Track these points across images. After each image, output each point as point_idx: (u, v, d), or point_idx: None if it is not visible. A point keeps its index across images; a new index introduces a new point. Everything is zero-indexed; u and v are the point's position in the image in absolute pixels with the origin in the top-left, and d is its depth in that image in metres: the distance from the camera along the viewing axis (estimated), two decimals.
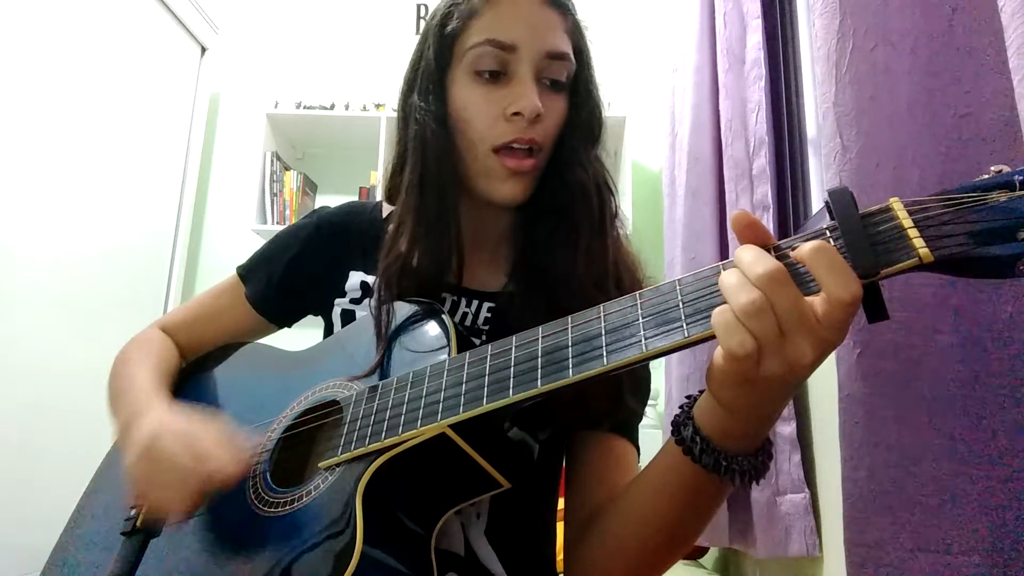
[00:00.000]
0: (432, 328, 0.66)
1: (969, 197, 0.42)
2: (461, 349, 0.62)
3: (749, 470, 0.52)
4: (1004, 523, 0.55)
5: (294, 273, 0.85)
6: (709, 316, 0.45)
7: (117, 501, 0.71)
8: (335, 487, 0.59)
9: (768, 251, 0.46)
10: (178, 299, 2.54)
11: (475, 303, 0.77)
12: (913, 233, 0.42)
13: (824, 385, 1.12)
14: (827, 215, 0.47)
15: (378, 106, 2.61)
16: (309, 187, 2.71)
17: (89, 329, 2.06)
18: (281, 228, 0.97)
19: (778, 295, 0.43)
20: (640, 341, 0.48)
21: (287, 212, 2.56)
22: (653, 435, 2.15)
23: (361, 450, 0.59)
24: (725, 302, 0.44)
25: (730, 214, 1.42)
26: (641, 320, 0.49)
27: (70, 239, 2.04)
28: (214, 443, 0.61)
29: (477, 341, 0.69)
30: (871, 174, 0.66)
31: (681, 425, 0.54)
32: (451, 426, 0.55)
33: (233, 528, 0.63)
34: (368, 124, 2.58)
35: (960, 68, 0.60)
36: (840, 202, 0.45)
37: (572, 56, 0.74)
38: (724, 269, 0.46)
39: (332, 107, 2.62)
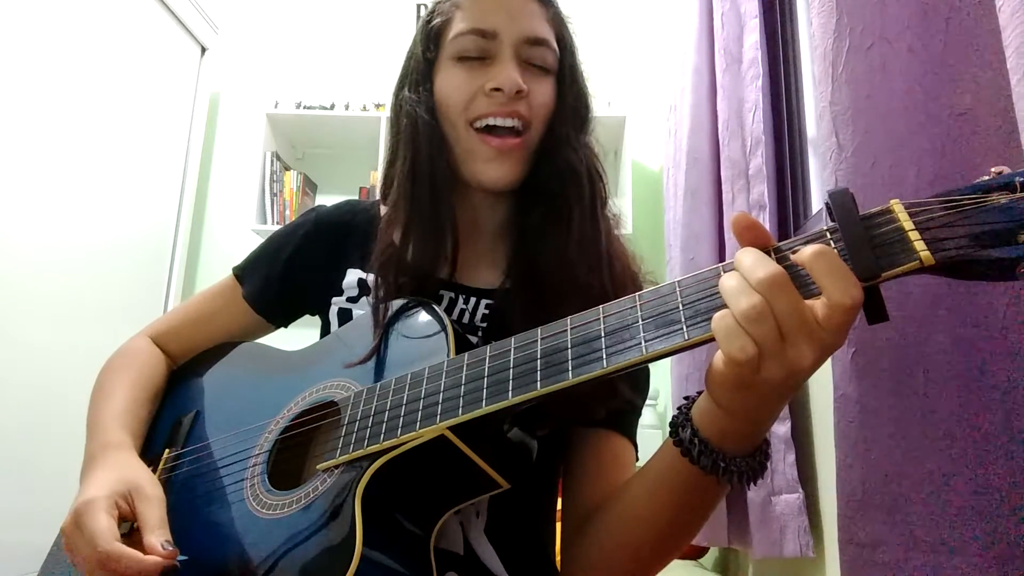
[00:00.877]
0: (429, 328, 0.66)
1: (969, 199, 0.41)
2: (459, 349, 0.62)
3: (747, 471, 0.52)
4: (998, 523, 0.55)
5: (292, 271, 0.84)
6: (709, 319, 0.45)
7: None
8: (334, 489, 0.59)
9: (768, 253, 0.46)
10: (178, 299, 2.54)
11: (472, 300, 0.77)
12: (914, 235, 0.42)
13: (819, 385, 1.12)
14: (827, 216, 0.46)
15: (378, 106, 2.61)
16: (309, 187, 2.71)
17: (89, 329, 2.06)
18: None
19: (779, 299, 0.43)
20: (640, 343, 0.48)
21: (287, 212, 2.56)
22: (653, 435, 2.15)
23: (360, 452, 0.59)
24: (725, 305, 0.44)
25: (727, 214, 1.42)
26: (641, 322, 0.49)
27: (70, 239, 2.04)
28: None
29: (474, 339, 0.69)
30: (867, 173, 0.66)
31: (679, 426, 0.54)
32: (450, 428, 0.55)
33: (231, 531, 0.63)
34: (368, 124, 2.58)
35: (957, 67, 0.59)
36: (840, 203, 0.44)
37: (554, 43, 0.76)
38: (724, 272, 0.46)
39: (332, 107, 2.62)
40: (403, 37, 0.83)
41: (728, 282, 0.45)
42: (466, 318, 0.76)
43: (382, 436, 0.58)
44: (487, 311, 0.76)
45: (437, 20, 0.77)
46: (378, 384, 0.63)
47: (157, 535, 0.59)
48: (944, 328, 0.59)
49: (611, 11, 2.73)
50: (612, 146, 2.62)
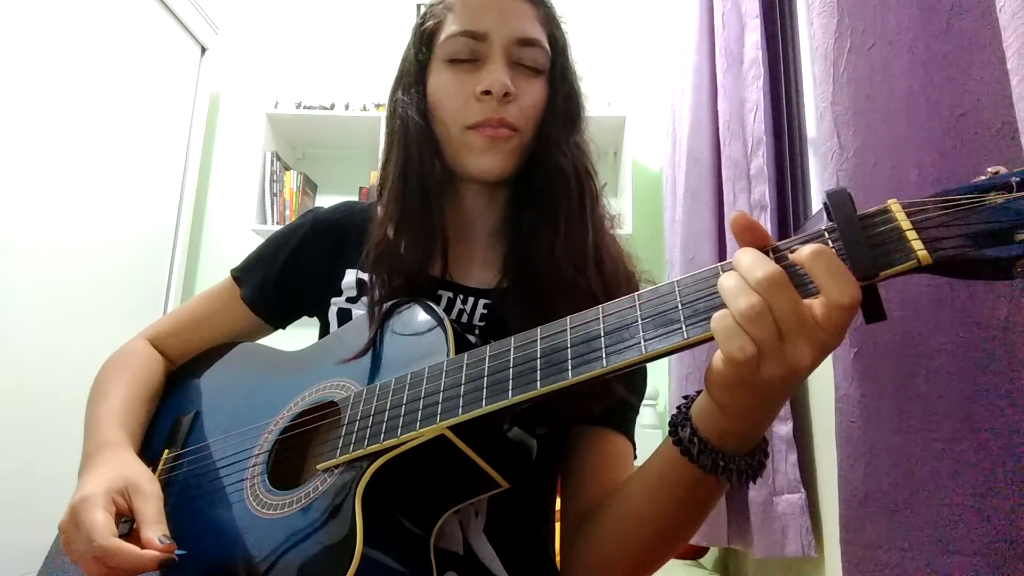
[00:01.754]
0: (428, 327, 0.66)
1: (966, 198, 0.41)
2: (459, 348, 0.62)
3: (746, 469, 0.52)
4: (1000, 524, 0.55)
5: (291, 272, 0.85)
6: (708, 318, 0.45)
7: None
8: (334, 489, 0.59)
9: (767, 253, 0.46)
10: (178, 299, 2.54)
11: (471, 300, 0.77)
12: (912, 235, 0.42)
13: (821, 385, 1.12)
14: (825, 216, 0.47)
15: (378, 106, 2.61)
16: (309, 187, 2.71)
17: (89, 329, 2.06)
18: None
19: (777, 299, 0.43)
20: (639, 343, 0.48)
21: (287, 212, 2.56)
22: (653, 435, 2.15)
23: (360, 452, 0.59)
24: (724, 304, 0.44)
25: (728, 214, 1.42)
26: (640, 322, 0.49)
27: (70, 239, 2.04)
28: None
29: (472, 338, 0.69)
30: (868, 174, 0.66)
31: (679, 426, 0.54)
32: (450, 427, 0.55)
33: (231, 531, 0.63)
34: (368, 124, 2.58)
35: (958, 68, 0.59)
36: (838, 203, 0.45)
37: (546, 43, 0.76)
38: (723, 271, 0.46)
39: (332, 107, 2.62)
40: (403, 37, 0.83)
41: (727, 282, 0.45)
42: (464, 318, 0.77)
43: (382, 436, 0.58)
44: (485, 310, 0.77)
45: (430, 23, 0.77)
46: (378, 384, 0.63)
47: (154, 529, 0.59)
48: (946, 328, 0.59)
49: (611, 11, 2.73)
50: (612, 146, 2.62)
